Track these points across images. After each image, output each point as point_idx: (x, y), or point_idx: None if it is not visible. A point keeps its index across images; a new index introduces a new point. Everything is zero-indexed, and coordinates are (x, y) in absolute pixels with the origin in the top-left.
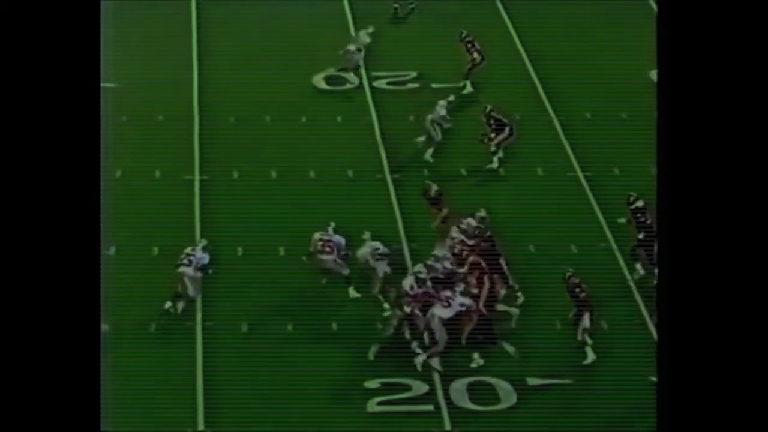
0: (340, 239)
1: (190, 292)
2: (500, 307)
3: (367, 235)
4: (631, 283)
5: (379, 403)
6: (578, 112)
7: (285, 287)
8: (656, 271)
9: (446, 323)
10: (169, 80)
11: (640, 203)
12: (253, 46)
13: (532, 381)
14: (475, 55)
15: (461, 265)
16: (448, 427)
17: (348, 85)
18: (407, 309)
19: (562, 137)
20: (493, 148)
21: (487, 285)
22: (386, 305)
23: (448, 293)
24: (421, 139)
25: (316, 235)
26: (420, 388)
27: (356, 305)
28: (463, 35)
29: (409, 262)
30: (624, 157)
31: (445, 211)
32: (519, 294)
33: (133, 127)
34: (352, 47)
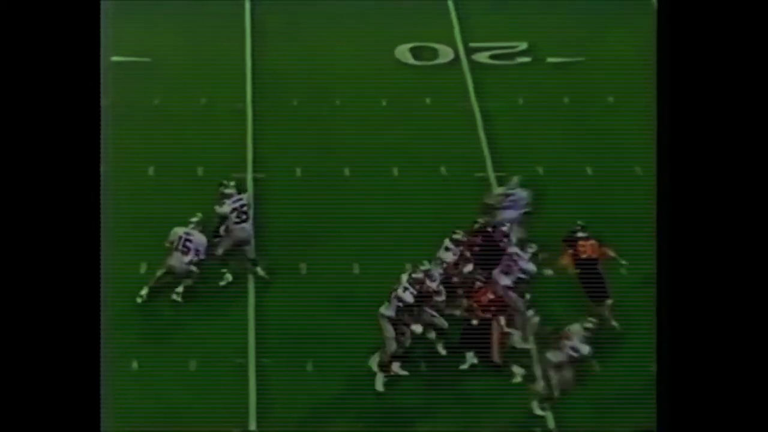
0: (201, 240)
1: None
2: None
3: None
4: None
5: None
6: None
7: (358, 315)
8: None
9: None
10: (215, 53)
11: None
12: (319, 11)
13: None
14: None
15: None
16: None
17: (441, 59)
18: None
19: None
20: None
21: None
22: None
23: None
24: None
25: (179, 230)
26: None
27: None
28: None
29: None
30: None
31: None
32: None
33: (168, 113)
34: None
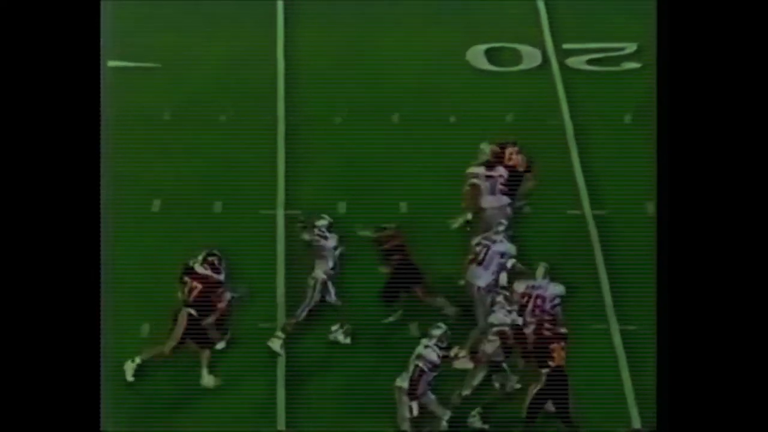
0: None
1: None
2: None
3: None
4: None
5: None
6: None
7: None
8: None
9: None
10: (239, 57)
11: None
12: (370, 3)
13: None
14: None
15: None
16: None
17: (525, 64)
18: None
19: None
20: None
21: None
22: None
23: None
24: None
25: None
26: None
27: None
28: None
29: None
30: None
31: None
32: None
33: (179, 131)
34: None
